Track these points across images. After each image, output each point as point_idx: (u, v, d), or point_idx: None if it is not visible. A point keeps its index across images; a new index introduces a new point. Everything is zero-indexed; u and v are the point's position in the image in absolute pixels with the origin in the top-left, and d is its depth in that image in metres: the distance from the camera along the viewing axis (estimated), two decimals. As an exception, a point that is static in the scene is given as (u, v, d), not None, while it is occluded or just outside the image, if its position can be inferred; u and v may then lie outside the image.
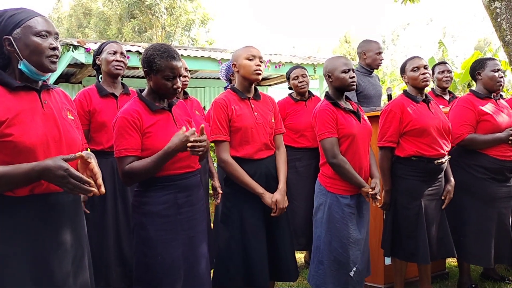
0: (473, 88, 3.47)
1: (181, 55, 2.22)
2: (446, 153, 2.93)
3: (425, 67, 2.95)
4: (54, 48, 1.67)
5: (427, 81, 2.94)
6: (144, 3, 19.54)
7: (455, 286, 3.39)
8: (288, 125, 3.70)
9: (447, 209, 3.01)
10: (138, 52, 6.86)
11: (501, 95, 3.40)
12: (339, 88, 2.72)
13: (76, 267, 1.70)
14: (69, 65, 7.28)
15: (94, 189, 1.56)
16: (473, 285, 3.28)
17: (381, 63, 4.03)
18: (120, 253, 2.75)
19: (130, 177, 2.10)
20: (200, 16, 21.18)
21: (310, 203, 3.55)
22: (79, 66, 7.43)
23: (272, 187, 2.60)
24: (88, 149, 2.69)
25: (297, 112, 3.84)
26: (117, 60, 2.86)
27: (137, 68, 7.05)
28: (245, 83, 2.67)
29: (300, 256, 4.28)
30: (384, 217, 3.17)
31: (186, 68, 3.08)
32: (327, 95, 2.75)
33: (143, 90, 2.26)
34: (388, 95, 3.59)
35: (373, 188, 2.60)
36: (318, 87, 9.37)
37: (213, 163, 3.39)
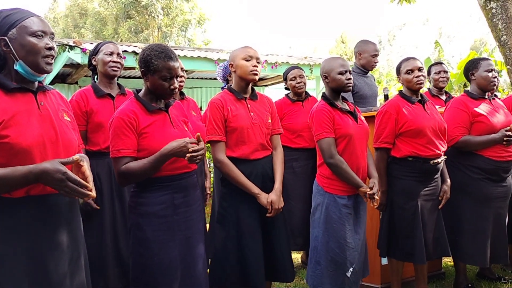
0: (468, 88, 3.47)
1: (178, 55, 2.22)
2: (442, 153, 2.94)
3: (419, 69, 2.94)
4: (50, 48, 1.67)
5: (421, 83, 2.93)
6: (140, 3, 19.52)
7: (452, 285, 3.40)
8: (285, 126, 3.70)
9: (443, 209, 3.02)
10: (135, 53, 6.84)
11: (495, 95, 3.41)
12: (335, 89, 2.73)
13: (72, 268, 1.70)
14: (65, 66, 7.25)
15: (91, 193, 1.56)
16: (469, 285, 3.29)
17: (375, 65, 4.01)
18: (117, 253, 2.74)
19: (125, 177, 2.09)
20: (196, 16, 21.17)
21: (307, 204, 3.55)
22: (75, 66, 7.40)
23: (268, 188, 2.59)
24: (83, 150, 2.69)
25: (294, 113, 3.84)
26: (113, 61, 2.85)
27: (133, 68, 7.03)
28: (241, 83, 2.67)
29: (297, 256, 4.29)
30: (380, 217, 3.17)
31: (182, 68, 3.08)
32: (324, 96, 2.76)
33: (140, 90, 2.26)
34: (384, 95, 3.60)
35: (371, 188, 2.61)
36: (315, 87, 9.38)
37: (207, 164, 3.38)
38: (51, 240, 1.63)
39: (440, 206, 2.98)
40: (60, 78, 8.26)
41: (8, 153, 1.54)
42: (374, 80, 4.26)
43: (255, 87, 2.85)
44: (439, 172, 2.97)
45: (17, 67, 1.63)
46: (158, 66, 2.11)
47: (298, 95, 3.92)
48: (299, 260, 4.24)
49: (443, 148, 2.95)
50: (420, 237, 2.85)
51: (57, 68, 7.12)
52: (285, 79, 3.97)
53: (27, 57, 1.63)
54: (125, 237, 2.72)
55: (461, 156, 3.19)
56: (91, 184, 1.60)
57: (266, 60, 7.82)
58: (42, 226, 1.61)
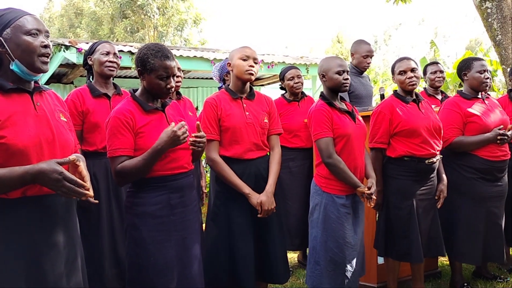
0: (461, 89, 3.48)
1: (174, 55, 2.21)
2: (438, 153, 2.94)
3: (412, 70, 2.93)
4: (46, 46, 1.66)
5: (413, 84, 2.93)
6: (136, 3, 19.48)
7: (448, 285, 3.41)
8: (282, 126, 3.69)
9: (439, 208, 3.02)
10: (130, 52, 6.83)
11: (488, 94, 3.41)
12: (332, 89, 2.72)
13: (69, 269, 1.70)
14: (61, 65, 7.23)
15: (88, 193, 1.56)
16: (466, 284, 3.30)
17: (368, 66, 4.02)
18: (114, 254, 2.74)
19: (122, 176, 2.09)
20: (192, 16, 21.16)
21: (304, 203, 3.55)
22: (71, 66, 7.38)
23: (262, 188, 2.59)
24: (80, 150, 2.68)
25: (290, 113, 3.85)
26: (110, 61, 2.84)
27: (129, 68, 7.01)
28: (238, 82, 2.68)
29: (293, 256, 4.29)
30: (377, 217, 3.18)
31: (179, 68, 3.07)
32: (322, 95, 2.76)
33: (137, 90, 2.25)
34: (380, 94, 3.60)
35: (369, 188, 2.61)
36: (311, 87, 9.38)
37: (204, 165, 3.39)
38: (47, 240, 1.62)
39: (439, 206, 2.99)
40: (56, 78, 8.24)
41: (4, 154, 1.54)
42: (369, 80, 4.27)
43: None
44: (435, 172, 2.98)
45: (13, 67, 1.62)
46: (154, 65, 2.11)
47: (295, 95, 3.93)
48: (295, 259, 4.24)
49: (439, 147, 2.95)
50: (416, 236, 2.85)
51: (52, 68, 7.10)
52: (282, 79, 3.97)
53: (23, 56, 1.62)
54: (122, 238, 2.71)
55: (456, 156, 3.19)
56: (88, 184, 1.60)
57: (262, 60, 7.82)
58: (38, 227, 1.61)
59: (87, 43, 6.99)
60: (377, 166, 2.92)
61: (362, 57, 3.96)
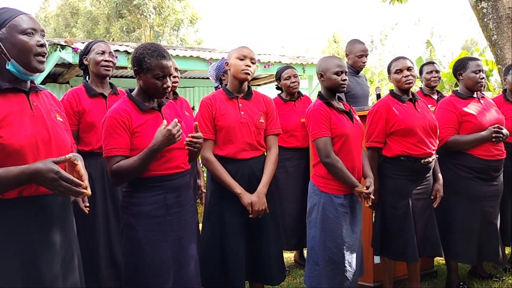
0: (457, 88, 3.49)
1: (170, 54, 2.20)
2: (434, 152, 2.95)
3: (409, 69, 2.95)
4: (42, 45, 1.66)
5: (409, 83, 2.94)
6: (132, 3, 19.45)
7: (444, 284, 3.42)
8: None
9: (434, 208, 3.03)
10: (126, 52, 6.80)
11: (483, 94, 3.42)
12: (329, 89, 2.73)
13: (65, 269, 1.69)
14: (57, 65, 7.19)
15: (85, 191, 1.55)
16: (461, 283, 3.31)
17: (363, 65, 4.02)
18: (111, 254, 2.73)
19: (118, 176, 2.09)
20: (188, 16, 21.15)
21: (300, 203, 3.55)
22: (67, 66, 7.35)
23: (255, 189, 2.59)
24: (76, 150, 2.67)
25: (287, 112, 3.84)
26: (105, 60, 2.83)
27: (125, 68, 6.98)
28: (235, 82, 2.69)
29: (290, 256, 4.29)
30: (373, 216, 3.18)
31: (176, 68, 3.07)
32: (320, 95, 2.76)
33: (133, 89, 2.25)
34: (377, 94, 3.61)
35: (367, 188, 2.61)
36: (307, 87, 9.39)
37: (201, 164, 3.39)
38: (44, 240, 1.62)
39: (435, 205, 2.99)
40: (52, 78, 8.20)
41: (0, 154, 1.53)
42: (366, 80, 4.28)
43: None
44: (431, 171, 2.99)
45: (9, 66, 1.62)
46: (151, 64, 2.11)
47: (291, 94, 3.93)
48: (292, 259, 4.25)
49: (434, 147, 2.96)
50: (412, 235, 2.86)
51: (48, 67, 7.06)
52: (278, 79, 3.97)
53: (19, 56, 1.62)
54: (118, 238, 2.70)
55: (451, 155, 3.20)
56: (86, 182, 1.59)
57: (258, 60, 7.81)
58: (35, 227, 1.60)
59: (83, 42, 6.96)
60: (373, 166, 2.93)
61: (357, 56, 3.97)
